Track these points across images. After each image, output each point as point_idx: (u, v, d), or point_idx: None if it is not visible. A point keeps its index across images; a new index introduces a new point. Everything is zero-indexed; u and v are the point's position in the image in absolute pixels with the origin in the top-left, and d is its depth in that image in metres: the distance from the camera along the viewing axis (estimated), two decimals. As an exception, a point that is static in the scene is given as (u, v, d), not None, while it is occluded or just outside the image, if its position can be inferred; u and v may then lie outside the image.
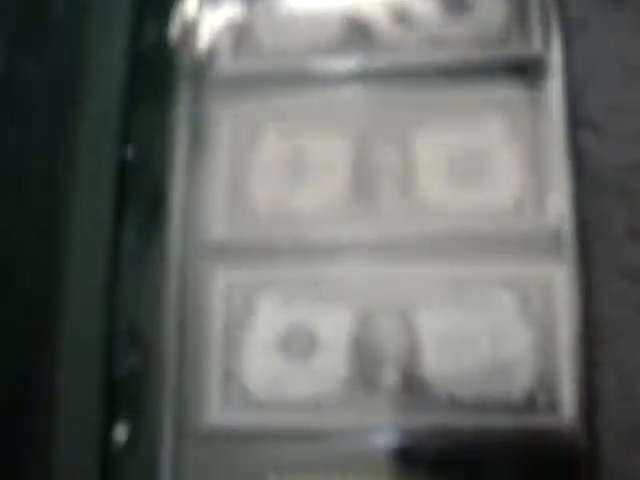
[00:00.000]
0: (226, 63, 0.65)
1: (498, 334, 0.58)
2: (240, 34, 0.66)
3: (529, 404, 0.56)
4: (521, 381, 0.57)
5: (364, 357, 0.60)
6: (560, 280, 0.57)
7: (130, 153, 0.61)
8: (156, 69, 0.64)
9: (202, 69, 0.64)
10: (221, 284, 0.62)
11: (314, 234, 0.62)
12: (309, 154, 0.61)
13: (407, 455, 0.57)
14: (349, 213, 0.61)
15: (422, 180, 0.61)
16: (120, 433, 0.58)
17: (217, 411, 0.60)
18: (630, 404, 0.57)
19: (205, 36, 0.65)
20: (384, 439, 0.58)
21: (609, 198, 0.59)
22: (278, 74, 0.64)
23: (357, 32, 0.65)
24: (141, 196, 0.62)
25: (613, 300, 0.58)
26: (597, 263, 0.58)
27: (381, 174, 0.60)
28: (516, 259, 0.59)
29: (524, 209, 0.59)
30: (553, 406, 0.56)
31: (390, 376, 0.59)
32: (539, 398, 0.56)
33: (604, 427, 0.55)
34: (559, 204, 0.58)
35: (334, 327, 0.60)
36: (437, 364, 0.59)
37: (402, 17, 0.64)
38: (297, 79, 0.64)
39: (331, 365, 0.60)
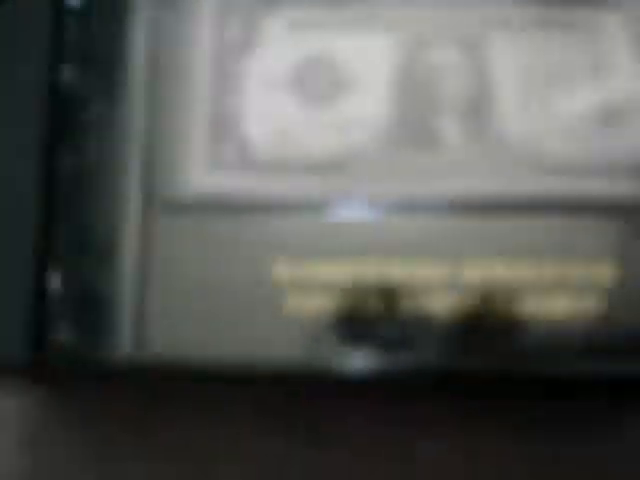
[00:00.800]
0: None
1: (604, 69, 0.42)
2: None
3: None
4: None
5: (412, 101, 0.43)
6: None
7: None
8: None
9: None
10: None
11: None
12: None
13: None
14: None
15: None
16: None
17: (203, 173, 0.44)
18: None
19: None
20: (435, 213, 0.42)
21: None
22: None
23: None
24: None
25: None
26: None
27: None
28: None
29: None
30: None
31: (450, 128, 0.42)
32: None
33: None
34: None
35: (371, 58, 0.43)
36: (518, 112, 0.42)
37: None
38: None
39: (364, 112, 0.43)
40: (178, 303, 0.43)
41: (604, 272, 0.41)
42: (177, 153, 0.44)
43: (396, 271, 0.42)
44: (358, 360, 0.42)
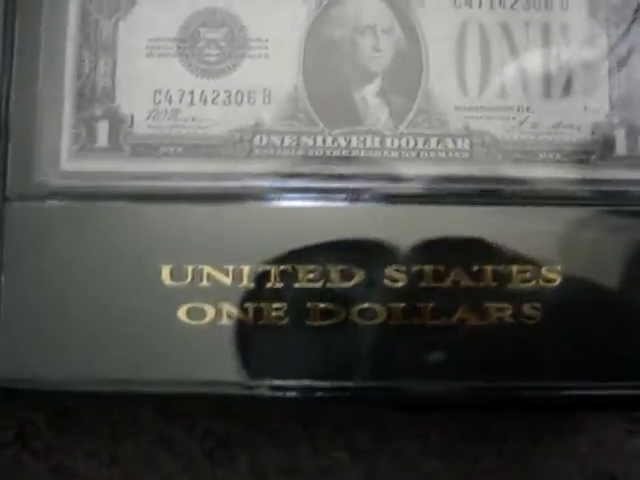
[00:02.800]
0: None
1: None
2: None
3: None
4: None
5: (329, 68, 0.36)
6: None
7: None
8: None
9: None
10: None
11: None
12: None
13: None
14: None
15: None
16: None
17: (70, 157, 0.37)
18: None
19: None
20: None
21: None
22: None
23: None
24: None
25: None
26: None
27: None
28: None
29: None
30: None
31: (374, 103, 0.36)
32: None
33: None
34: None
35: (278, 11, 0.37)
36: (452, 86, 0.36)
37: None
38: None
39: (270, 81, 0.36)
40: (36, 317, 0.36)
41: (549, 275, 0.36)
42: (38, 133, 0.37)
43: (301, 273, 0.36)
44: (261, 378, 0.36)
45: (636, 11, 0.38)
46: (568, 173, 0.38)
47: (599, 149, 0.38)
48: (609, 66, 0.38)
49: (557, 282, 0.37)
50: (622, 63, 0.38)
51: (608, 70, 0.38)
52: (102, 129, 0.38)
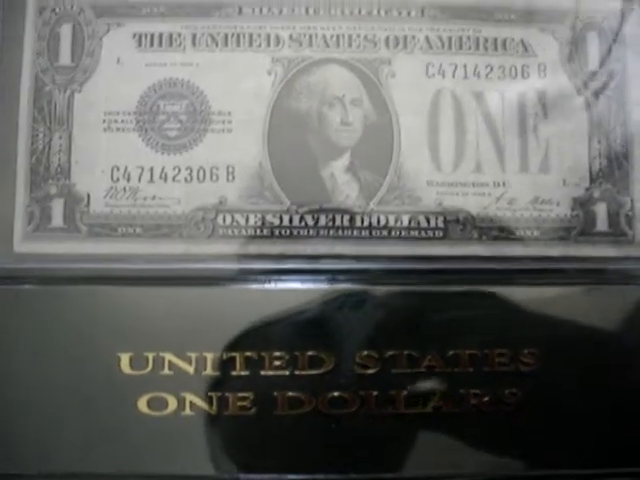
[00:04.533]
0: None
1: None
2: None
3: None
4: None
5: (294, 142, 0.35)
6: None
7: None
8: None
9: None
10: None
11: None
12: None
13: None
14: None
15: None
16: None
17: (24, 238, 0.35)
18: None
19: None
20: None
21: None
22: None
23: None
24: None
25: None
26: None
27: None
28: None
29: None
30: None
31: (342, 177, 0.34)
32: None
33: None
34: None
35: (243, 84, 0.35)
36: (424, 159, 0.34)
37: None
38: None
39: (234, 155, 0.35)
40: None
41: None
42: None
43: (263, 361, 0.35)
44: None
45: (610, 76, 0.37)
46: (547, 251, 0.36)
47: (579, 225, 0.37)
48: (589, 136, 0.37)
49: (536, 365, 0.35)
50: (603, 133, 0.37)
51: (588, 141, 0.37)
52: (57, 208, 0.36)
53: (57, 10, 0.37)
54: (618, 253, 0.37)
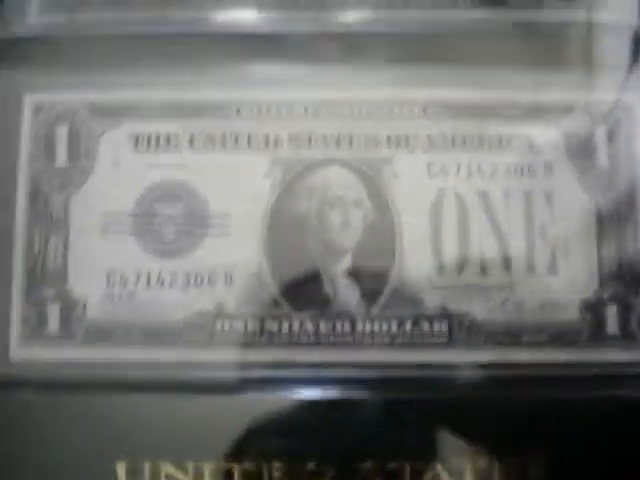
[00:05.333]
0: None
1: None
2: None
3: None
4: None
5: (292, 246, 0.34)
6: None
7: None
8: None
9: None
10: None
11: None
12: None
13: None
14: None
15: None
16: None
17: (19, 341, 0.35)
18: None
19: None
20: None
21: None
22: None
23: None
24: None
25: None
26: None
27: None
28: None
29: None
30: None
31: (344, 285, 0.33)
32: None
33: None
34: None
35: (241, 187, 0.34)
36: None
37: None
38: None
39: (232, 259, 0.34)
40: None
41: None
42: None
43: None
44: None
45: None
46: (555, 356, 0.35)
47: (588, 329, 0.35)
48: (598, 236, 0.36)
49: (545, 475, 0.34)
50: (612, 232, 0.36)
51: (597, 241, 0.36)
52: (53, 313, 0.36)
53: (53, 110, 0.37)
54: (630, 358, 0.35)
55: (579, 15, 0.38)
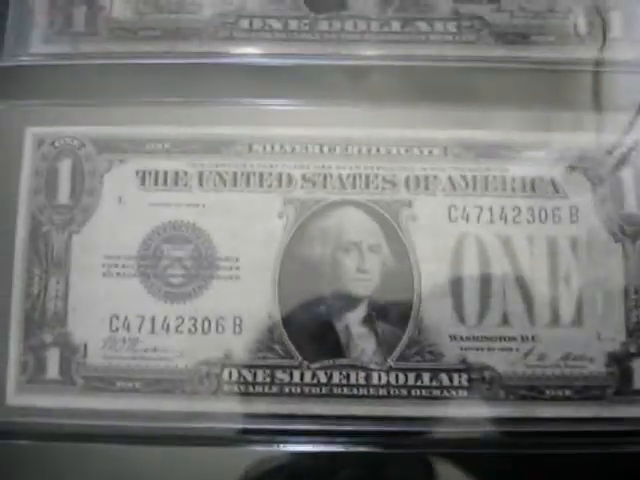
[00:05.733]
0: None
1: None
2: None
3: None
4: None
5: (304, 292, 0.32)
6: None
7: None
8: None
9: None
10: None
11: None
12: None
13: None
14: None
15: None
16: None
17: (16, 387, 0.33)
18: None
19: None
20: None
21: None
22: None
23: None
24: None
25: None
26: None
27: None
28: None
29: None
30: None
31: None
32: None
33: None
34: None
35: (252, 230, 0.33)
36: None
37: None
38: None
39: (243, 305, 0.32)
40: None
41: None
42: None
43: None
44: None
45: None
46: (580, 412, 0.33)
47: (615, 383, 0.34)
48: (625, 286, 0.34)
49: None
50: (640, 282, 0.34)
51: (624, 290, 0.34)
52: (52, 358, 0.34)
53: (56, 144, 0.35)
54: (658, 414, 0.34)
55: (608, 55, 0.36)
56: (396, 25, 0.36)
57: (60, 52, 0.36)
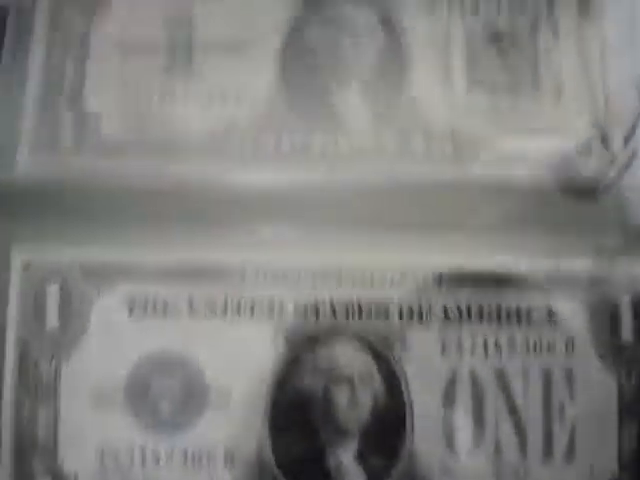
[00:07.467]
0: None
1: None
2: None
3: None
4: None
5: None
6: None
7: None
8: None
9: None
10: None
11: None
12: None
13: None
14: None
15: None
16: None
17: None
18: None
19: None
20: None
21: None
22: None
23: None
24: None
25: None
26: None
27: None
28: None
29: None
30: None
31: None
32: None
33: None
34: None
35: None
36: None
37: None
38: None
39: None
40: None
41: None
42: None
43: None
44: None
45: None
46: None
47: None
48: (618, 417, 0.34)
49: None
50: (634, 415, 0.34)
51: (617, 422, 0.34)
52: None
53: (43, 268, 0.35)
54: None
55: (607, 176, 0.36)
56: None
57: (48, 169, 0.36)
